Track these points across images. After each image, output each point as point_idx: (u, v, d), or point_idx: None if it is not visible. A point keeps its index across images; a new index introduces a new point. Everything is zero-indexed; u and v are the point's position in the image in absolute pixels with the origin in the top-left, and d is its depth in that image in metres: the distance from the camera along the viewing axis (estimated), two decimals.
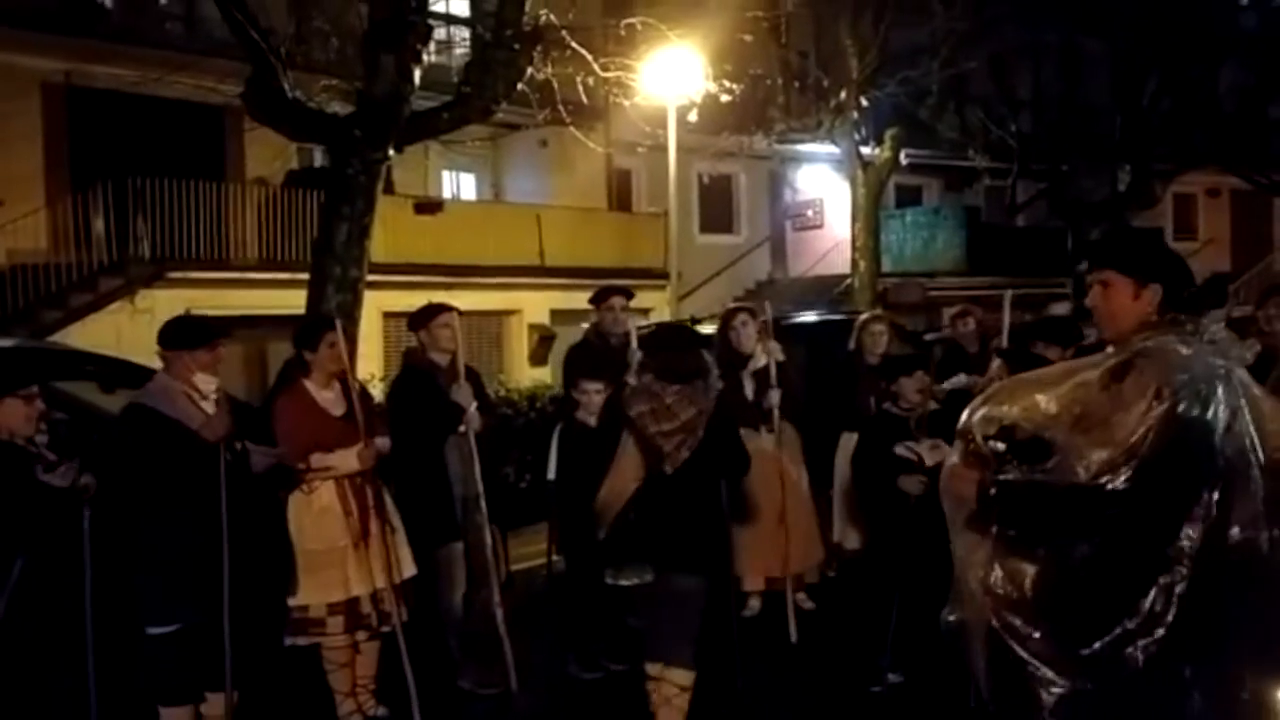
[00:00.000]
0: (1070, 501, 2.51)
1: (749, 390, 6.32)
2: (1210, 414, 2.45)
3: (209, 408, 4.45)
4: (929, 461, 4.89)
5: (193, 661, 4.46)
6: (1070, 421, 2.51)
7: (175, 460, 4.33)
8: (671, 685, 4.42)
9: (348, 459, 4.81)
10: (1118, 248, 2.88)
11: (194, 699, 4.53)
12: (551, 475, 5.79)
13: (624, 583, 4.54)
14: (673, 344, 4.62)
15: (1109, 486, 2.43)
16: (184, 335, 4.59)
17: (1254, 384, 2.59)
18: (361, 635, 4.87)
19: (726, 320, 6.56)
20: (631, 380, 5.00)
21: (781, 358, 6.27)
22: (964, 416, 2.76)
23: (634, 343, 6.11)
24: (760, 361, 6.33)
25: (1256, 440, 2.48)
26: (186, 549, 4.38)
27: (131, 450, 4.38)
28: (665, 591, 4.37)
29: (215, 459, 4.36)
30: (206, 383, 4.52)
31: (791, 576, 6.27)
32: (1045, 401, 2.57)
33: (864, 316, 7.20)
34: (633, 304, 6.63)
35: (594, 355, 6.20)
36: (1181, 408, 2.44)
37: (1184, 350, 2.52)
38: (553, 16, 9.98)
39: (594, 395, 5.55)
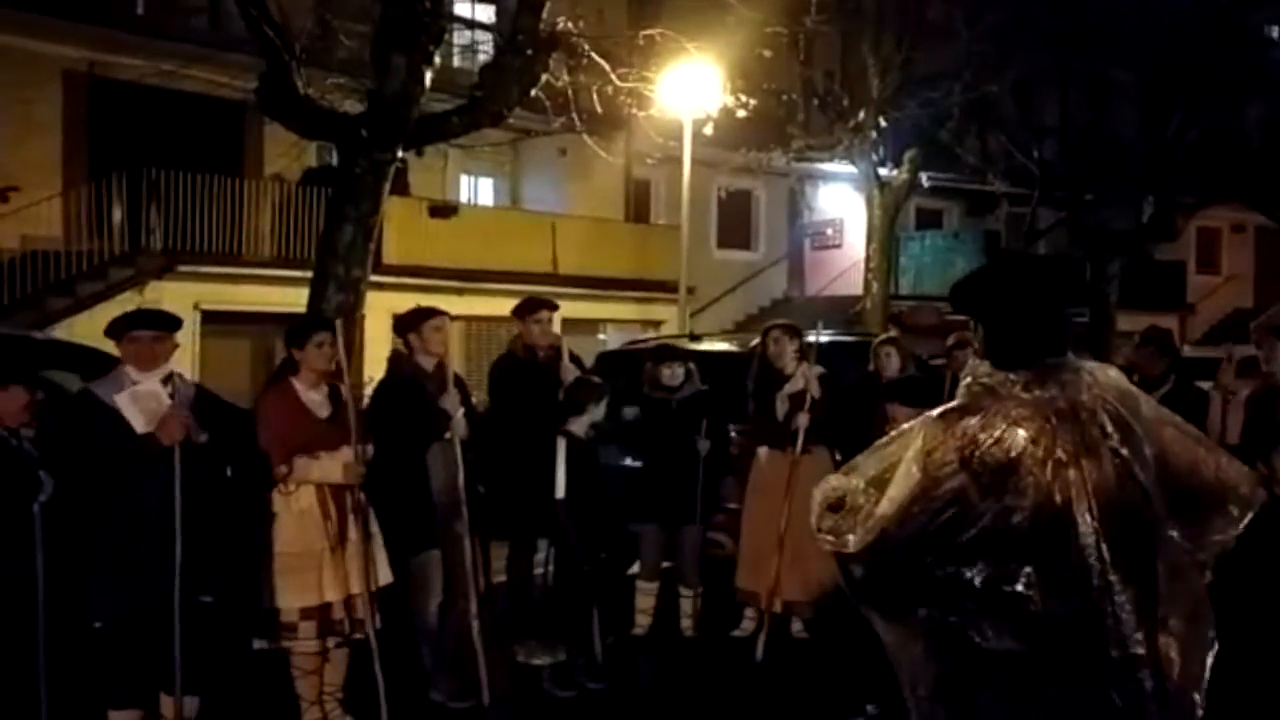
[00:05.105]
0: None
1: (780, 410, 6.21)
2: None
3: (154, 404, 4.33)
4: None
5: (140, 661, 4.35)
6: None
7: (102, 449, 4.25)
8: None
9: (332, 470, 4.73)
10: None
11: (144, 703, 4.42)
12: (560, 494, 5.50)
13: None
14: None
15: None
16: (119, 322, 4.49)
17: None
18: (332, 642, 4.78)
19: (764, 336, 6.52)
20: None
21: (817, 388, 6.08)
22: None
23: (565, 356, 6.01)
24: (799, 384, 6.20)
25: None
26: (118, 538, 4.29)
27: (69, 435, 4.31)
28: None
29: (161, 457, 4.25)
30: (137, 374, 4.39)
31: (791, 602, 6.11)
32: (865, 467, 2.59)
33: (880, 338, 7.20)
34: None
35: (521, 368, 6.11)
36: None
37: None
38: (570, 25, 9.93)
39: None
